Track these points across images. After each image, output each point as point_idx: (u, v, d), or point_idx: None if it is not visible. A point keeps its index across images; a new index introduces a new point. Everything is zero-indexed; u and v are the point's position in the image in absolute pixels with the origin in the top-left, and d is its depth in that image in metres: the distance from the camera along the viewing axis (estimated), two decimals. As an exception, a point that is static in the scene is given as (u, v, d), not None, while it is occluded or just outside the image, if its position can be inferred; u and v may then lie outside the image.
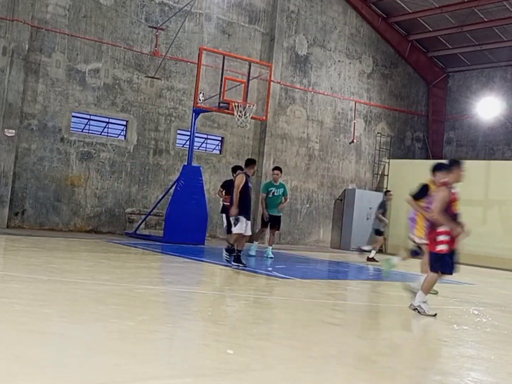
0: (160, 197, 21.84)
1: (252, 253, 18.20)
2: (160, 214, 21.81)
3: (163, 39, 22.99)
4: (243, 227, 14.47)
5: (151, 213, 21.61)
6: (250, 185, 14.98)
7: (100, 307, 8.02)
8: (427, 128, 31.34)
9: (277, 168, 19.22)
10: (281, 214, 19.06)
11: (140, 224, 21.36)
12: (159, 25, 22.78)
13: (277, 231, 19.38)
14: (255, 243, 18.82)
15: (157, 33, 22.76)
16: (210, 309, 9.22)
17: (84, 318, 7.24)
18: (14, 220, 20.49)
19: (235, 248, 14.50)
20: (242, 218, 14.46)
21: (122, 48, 22.22)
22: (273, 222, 18.69)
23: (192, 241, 19.88)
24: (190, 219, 20.01)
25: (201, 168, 21.42)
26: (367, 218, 27.32)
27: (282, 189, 18.66)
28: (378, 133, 29.35)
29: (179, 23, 22.78)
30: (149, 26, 22.71)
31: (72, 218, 21.47)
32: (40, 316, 7.10)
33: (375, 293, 13.62)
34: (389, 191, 21.67)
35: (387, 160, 29.23)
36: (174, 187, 20.75)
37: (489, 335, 8.98)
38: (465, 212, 26.51)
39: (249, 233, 14.83)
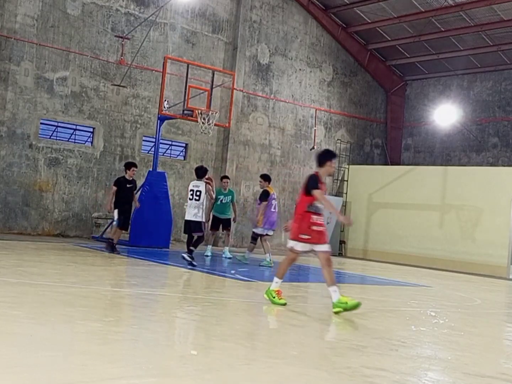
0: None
1: (208, 253, 19.50)
2: (126, 219, 22.12)
3: (129, 48, 23.34)
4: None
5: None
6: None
7: (67, 309, 8.08)
8: (386, 134, 31.72)
9: (225, 176, 20.52)
10: (230, 216, 20.02)
11: (106, 228, 21.47)
12: (125, 34, 23.09)
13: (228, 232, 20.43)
14: (209, 246, 19.96)
15: (123, 42, 23.06)
16: (174, 311, 9.30)
17: (52, 320, 7.28)
18: (-17, 225, 20.80)
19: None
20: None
21: (89, 57, 22.55)
22: (225, 224, 19.90)
23: (157, 245, 20.09)
24: (155, 224, 20.14)
25: (166, 173, 21.73)
26: (328, 223, 27.92)
27: (230, 196, 19.84)
28: (338, 139, 29.74)
29: (145, 32, 23.11)
30: (115, 36, 23.03)
31: (40, 222, 21.76)
32: (9, 317, 7.16)
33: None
34: None
35: (347, 166, 29.46)
36: (139, 192, 20.75)
37: (446, 336, 9.06)
38: (423, 216, 27.24)
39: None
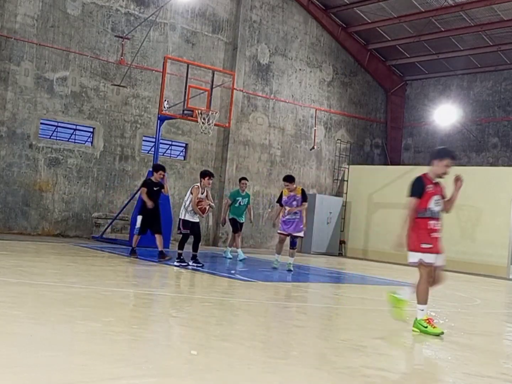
0: (126, 202, 22.07)
1: (241, 257, 19.31)
2: (126, 219, 22.01)
3: (129, 48, 23.36)
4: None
5: (117, 218, 21.79)
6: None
7: (67, 309, 8.05)
8: (386, 134, 31.75)
9: (244, 178, 20.26)
10: (244, 221, 20.08)
11: (106, 228, 21.62)
12: (125, 34, 23.11)
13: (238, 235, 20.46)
14: (229, 248, 20.05)
15: (123, 42, 23.10)
16: (174, 311, 9.27)
17: (52, 320, 7.26)
18: (-17, 225, 20.81)
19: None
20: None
21: (89, 57, 22.57)
22: (239, 228, 19.89)
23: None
24: (155, 224, 20.25)
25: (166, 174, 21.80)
26: (328, 223, 27.96)
27: (247, 199, 19.78)
28: (338, 139, 29.79)
29: (145, 32, 23.16)
30: (115, 36, 23.06)
31: (40, 222, 21.77)
32: (9, 317, 7.13)
33: (335, 295, 13.66)
34: None
35: (347, 166, 29.54)
36: (138, 193, 20.93)
37: (446, 336, 8.87)
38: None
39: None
